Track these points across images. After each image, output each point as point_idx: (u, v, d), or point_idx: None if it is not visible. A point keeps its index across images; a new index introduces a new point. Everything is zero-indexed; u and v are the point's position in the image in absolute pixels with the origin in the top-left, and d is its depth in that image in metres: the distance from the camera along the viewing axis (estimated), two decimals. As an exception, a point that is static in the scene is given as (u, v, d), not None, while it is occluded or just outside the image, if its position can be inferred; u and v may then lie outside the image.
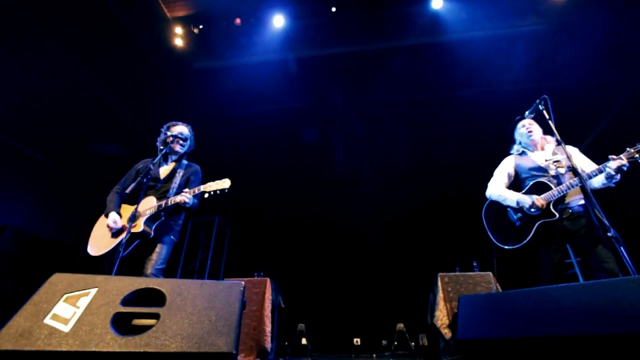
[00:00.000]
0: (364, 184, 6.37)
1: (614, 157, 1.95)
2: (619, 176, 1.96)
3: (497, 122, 5.51)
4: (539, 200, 2.04)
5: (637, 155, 1.90)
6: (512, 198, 2.19)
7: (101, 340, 0.90)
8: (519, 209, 2.16)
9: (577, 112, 5.65)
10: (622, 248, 1.51)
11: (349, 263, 5.68)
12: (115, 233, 2.06)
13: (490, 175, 2.51)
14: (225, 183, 2.11)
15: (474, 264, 4.08)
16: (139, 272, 2.02)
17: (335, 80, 6.79)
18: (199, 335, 0.97)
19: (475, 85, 6.19)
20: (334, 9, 5.84)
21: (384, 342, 4.99)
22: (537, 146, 2.36)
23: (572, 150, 2.23)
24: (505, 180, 2.37)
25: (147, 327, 0.97)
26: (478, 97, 6.07)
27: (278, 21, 5.90)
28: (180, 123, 2.45)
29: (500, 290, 3.67)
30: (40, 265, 4.27)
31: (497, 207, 2.32)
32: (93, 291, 1.04)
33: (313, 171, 6.59)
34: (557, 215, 1.99)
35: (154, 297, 1.08)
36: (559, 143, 2.07)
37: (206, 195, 2.11)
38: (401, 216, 5.89)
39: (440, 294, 3.80)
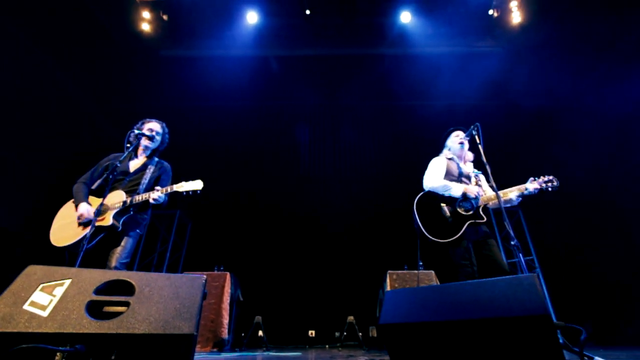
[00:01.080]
0: (326, 184, 6.64)
1: (533, 179, 2.36)
2: (521, 198, 2.39)
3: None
4: (481, 191, 2.34)
5: (543, 185, 2.32)
6: (457, 188, 2.39)
7: (78, 324, 1.04)
8: (452, 210, 2.38)
9: (516, 130, 6.37)
10: (520, 254, 1.89)
11: (306, 259, 5.94)
12: (85, 224, 2.09)
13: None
14: (197, 184, 2.20)
15: (420, 263, 4.50)
16: (102, 264, 2.08)
17: (305, 81, 6.96)
18: (165, 320, 1.14)
19: (434, 98, 6.70)
20: (308, 12, 6.00)
21: (336, 334, 5.32)
22: (462, 158, 2.68)
23: (482, 176, 2.63)
24: (442, 175, 2.54)
25: (119, 314, 1.12)
26: (435, 109, 6.58)
27: (252, 17, 5.94)
28: (154, 120, 2.50)
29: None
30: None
31: (429, 202, 2.49)
32: (67, 282, 1.16)
33: (278, 168, 6.74)
34: (485, 218, 2.35)
35: (124, 288, 1.23)
36: (475, 165, 2.44)
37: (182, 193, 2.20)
38: (357, 216, 6.25)
39: (388, 290, 4.17)
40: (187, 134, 6.35)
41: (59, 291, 1.13)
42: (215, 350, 3.88)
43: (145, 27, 6.01)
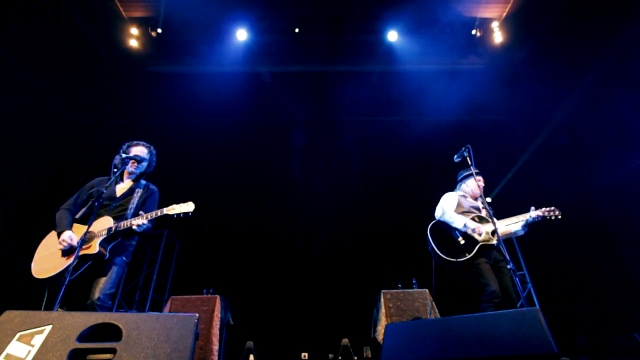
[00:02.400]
0: (317, 201, 6.57)
1: (534, 208, 2.59)
2: (527, 228, 2.64)
3: (437, 149, 6.12)
4: (479, 228, 2.51)
5: (546, 215, 2.55)
6: (460, 221, 2.62)
7: (58, 378, 0.96)
8: (463, 233, 2.60)
9: (501, 145, 6.52)
10: (516, 279, 1.91)
11: (298, 279, 5.80)
12: (68, 252, 1.99)
13: (428, 199, 3.03)
14: (189, 207, 2.13)
15: (414, 281, 4.46)
16: (86, 294, 1.96)
17: (295, 97, 7.00)
18: (154, 368, 1.06)
19: (422, 114, 6.83)
20: (297, 30, 6.09)
21: (330, 355, 5.17)
22: (476, 196, 2.92)
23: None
24: (452, 208, 2.81)
25: (104, 362, 1.04)
26: (422, 124, 6.70)
27: (241, 35, 5.98)
28: (141, 143, 2.43)
29: (434, 305, 4.08)
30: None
31: (443, 227, 2.74)
32: (48, 328, 1.07)
33: (268, 186, 6.65)
34: (495, 241, 2.45)
35: (111, 332, 1.14)
36: (481, 201, 2.70)
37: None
38: (349, 235, 6.17)
39: (383, 310, 4.10)
40: (176, 151, 6.24)
41: (38, 340, 1.04)
42: (204, 378, 3.70)
43: (134, 43, 5.97)
